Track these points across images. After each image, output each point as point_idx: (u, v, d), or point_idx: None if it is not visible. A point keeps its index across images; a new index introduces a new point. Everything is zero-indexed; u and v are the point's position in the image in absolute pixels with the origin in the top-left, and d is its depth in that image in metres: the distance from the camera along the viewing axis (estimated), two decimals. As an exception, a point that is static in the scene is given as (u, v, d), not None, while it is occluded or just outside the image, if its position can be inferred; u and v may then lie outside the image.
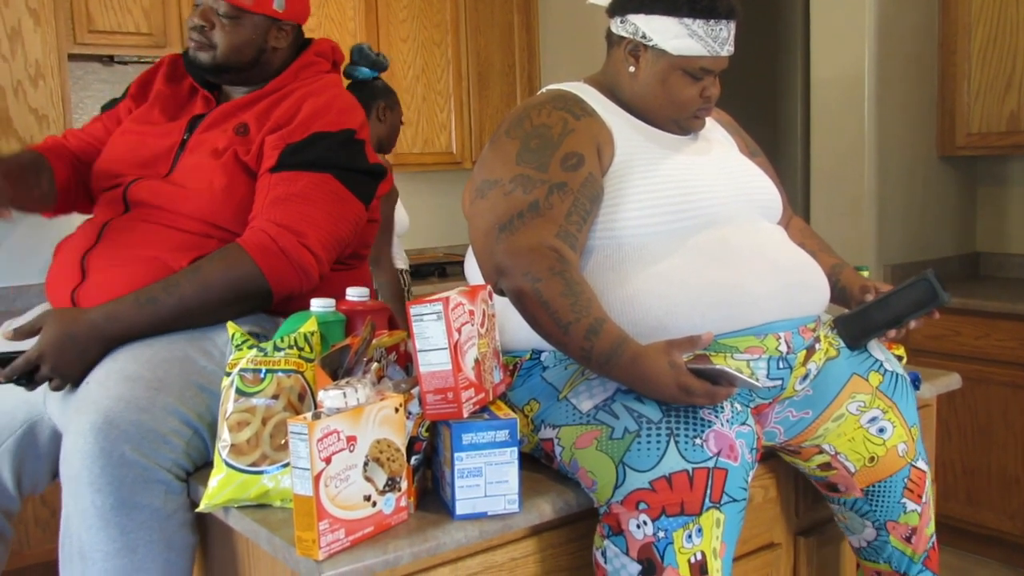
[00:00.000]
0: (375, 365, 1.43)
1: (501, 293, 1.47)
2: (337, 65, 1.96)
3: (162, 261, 1.64)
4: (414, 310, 1.32)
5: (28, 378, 1.57)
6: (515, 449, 1.34)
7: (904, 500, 1.69)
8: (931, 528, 1.74)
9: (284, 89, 1.81)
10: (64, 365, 1.55)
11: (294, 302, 1.69)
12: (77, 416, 1.46)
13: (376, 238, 2.96)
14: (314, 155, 1.72)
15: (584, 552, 1.48)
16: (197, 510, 1.41)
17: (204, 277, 1.60)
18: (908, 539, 1.71)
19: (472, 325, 1.38)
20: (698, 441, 1.36)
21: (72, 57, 3.44)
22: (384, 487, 1.28)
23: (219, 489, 1.38)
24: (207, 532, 1.57)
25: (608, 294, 1.47)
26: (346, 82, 3.35)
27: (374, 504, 1.27)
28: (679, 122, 1.64)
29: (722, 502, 1.36)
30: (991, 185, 3.94)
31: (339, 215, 1.73)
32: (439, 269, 4.26)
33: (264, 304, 1.67)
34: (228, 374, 1.43)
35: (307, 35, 1.96)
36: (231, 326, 1.48)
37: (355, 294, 1.69)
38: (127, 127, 1.87)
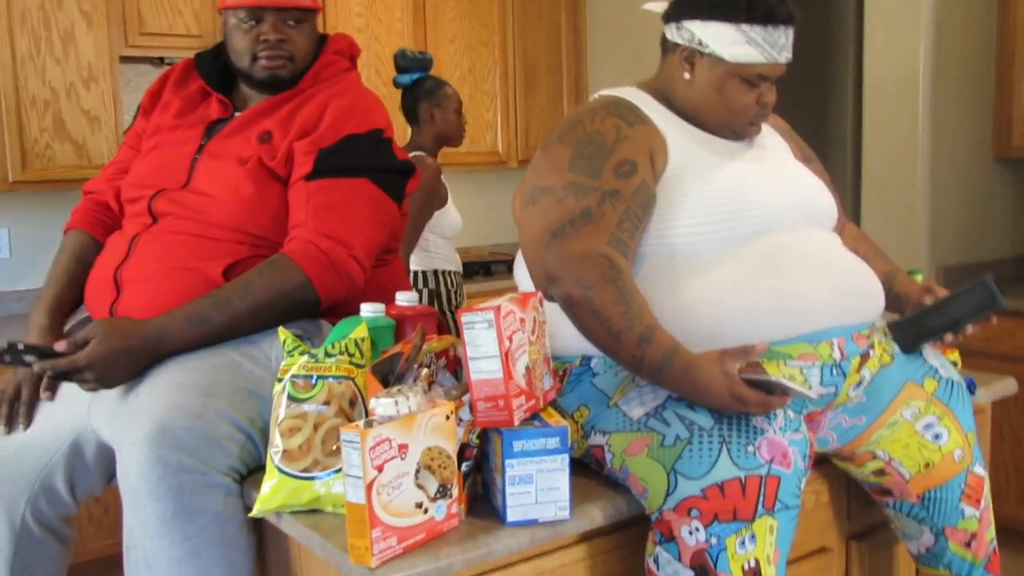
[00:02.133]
0: (425, 371, 1.44)
1: (552, 299, 1.47)
2: (354, 61, 1.95)
3: (198, 271, 1.66)
4: (466, 318, 1.33)
5: (65, 377, 1.59)
6: (566, 456, 1.33)
7: (962, 506, 1.66)
8: (991, 532, 1.72)
9: (306, 92, 1.81)
10: (111, 376, 1.57)
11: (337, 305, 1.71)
12: (131, 427, 1.48)
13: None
14: (349, 159, 1.73)
15: (635, 558, 1.47)
16: (251, 515, 1.43)
17: (255, 292, 1.61)
18: (968, 544, 1.68)
19: (523, 333, 1.38)
20: (750, 448, 1.34)
21: (124, 59, 3.50)
22: (435, 494, 1.28)
23: (272, 494, 1.39)
24: (262, 536, 1.58)
25: (660, 302, 1.46)
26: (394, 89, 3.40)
27: (426, 511, 1.27)
28: (735, 129, 1.62)
29: (775, 509, 1.35)
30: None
31: (378, 220, 1.75)
32: (484, 268, 4.27)
33: (311, 312, 1.69)
34: (280, 380, 1.45)
35: (355, 36, 1.96)
36: (282, 332, 1.49)
37: (404, 299, 1.70)
38: (146, 144, 1.88)
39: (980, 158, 3.69)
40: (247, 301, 1.61)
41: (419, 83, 3.33)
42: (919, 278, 1.89)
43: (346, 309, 1.70)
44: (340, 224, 1.68)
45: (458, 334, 1.38)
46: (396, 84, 3.35)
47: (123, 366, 1.57)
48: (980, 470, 1.68)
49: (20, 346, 1.57)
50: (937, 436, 1.63)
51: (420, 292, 3.33)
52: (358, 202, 1.72)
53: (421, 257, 3.34)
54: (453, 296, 3.42)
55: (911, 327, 1.66)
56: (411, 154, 3.23)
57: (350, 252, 1.67)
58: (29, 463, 1.67)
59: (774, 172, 1.61)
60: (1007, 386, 2.08)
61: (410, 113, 3.36)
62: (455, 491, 1.32)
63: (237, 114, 1.83)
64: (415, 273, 3.35)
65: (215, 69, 1.87)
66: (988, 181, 3.74)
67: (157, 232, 1.73)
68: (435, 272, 3.38)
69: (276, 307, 1.63)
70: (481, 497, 1.43)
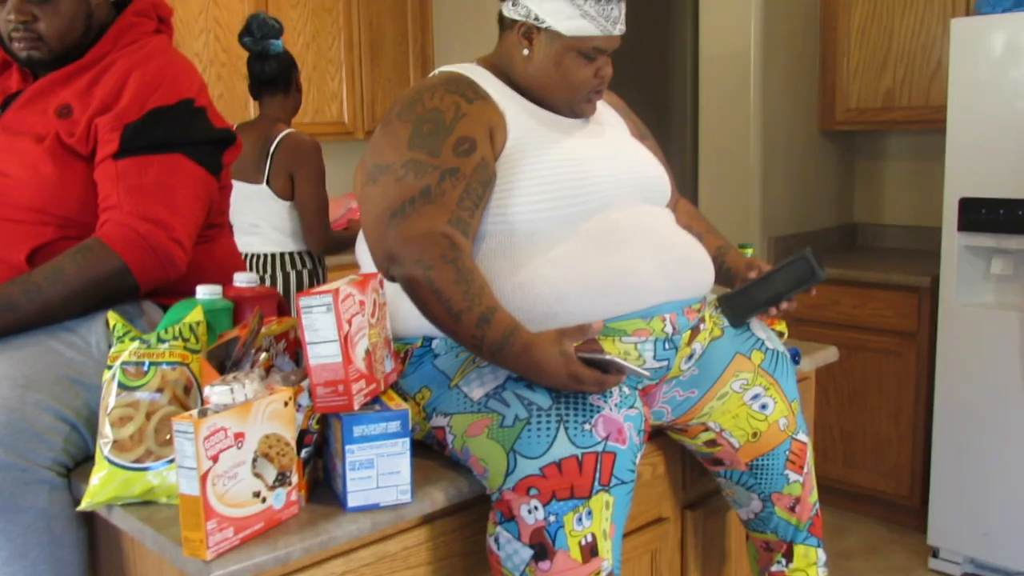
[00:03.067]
0: (263, 355, 1.41)
1: (393, 280, 1.46)
2: (164, 22, 1.82)
3: None
4: (303, 302, 1.30)
5: None
6: (407, 440, 1.33)
7: (787, 472, 1.75)
8: (814, 496, 1.82)
9: (104, 60, 1.69)
10: None
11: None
12: None
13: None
14: (158, 135, 1.63)
15: (477, 538, 1.49)
16: (79, 509, 1.37)
17: (68, 279, 1.53)
18: (792, 509, 1.78)
19: (363, 315, 1.37)
20: (587, 426, 1.38)
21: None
22: (274, 482, 1.26)
23: (101, 487, 1.34)
24: (93, 530, 1.52)
25: (500, 281, 1.47)
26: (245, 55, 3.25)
27: (264, 500, 1.25)
28: (572, 105, 1.64)
29: (611, 485, 1.39)
30: (868, 159, 4.09)
31: (197, 197, 1.67)
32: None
33: (130, 297, 1.62)
34: (109, 367, 1.39)
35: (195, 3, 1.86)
36: (112, 316, 1.43)
37: (243, 280, 1.66)
38: None
39: (807, 131, 3.87)
40: (59, 288, 1.52)
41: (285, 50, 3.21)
42: (749, 252, 1.97)
43: (176, 289, 1.64)
44: (157, 205, 1.59)
45: None
46: (269, 51, 3.17)
47: None
48: (803, 437, 1.77)
49: None
50: (764, 406, 1.71)
51: (301, 272, 3.28)
52: (173, 180, 1.63)
53: (297, 239, 3.27)
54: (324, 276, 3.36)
55: (738, 301, 1.74)
56: (286, 132, 3.15)
57: (170, 235, 1.59)
58: None
59: (611, 149, 1.64)
60: (829, 354, 2.19)
61: (276, 82, 3.20)
62: (294, 478, 1.30)
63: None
64: (295, 255, 3.27)
65: None
66: (815, 154, 3.93)
67: None
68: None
69: (90, 294, 1.54)
70: (322, 482, 1.42)
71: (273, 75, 3.18)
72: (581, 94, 1.63)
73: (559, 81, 1.61)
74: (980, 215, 2.92)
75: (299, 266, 3.30)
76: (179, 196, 1.63)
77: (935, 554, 3.17)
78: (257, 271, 3.26)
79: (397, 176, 1.48)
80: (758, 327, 1.79)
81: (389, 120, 1.55)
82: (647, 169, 1.68)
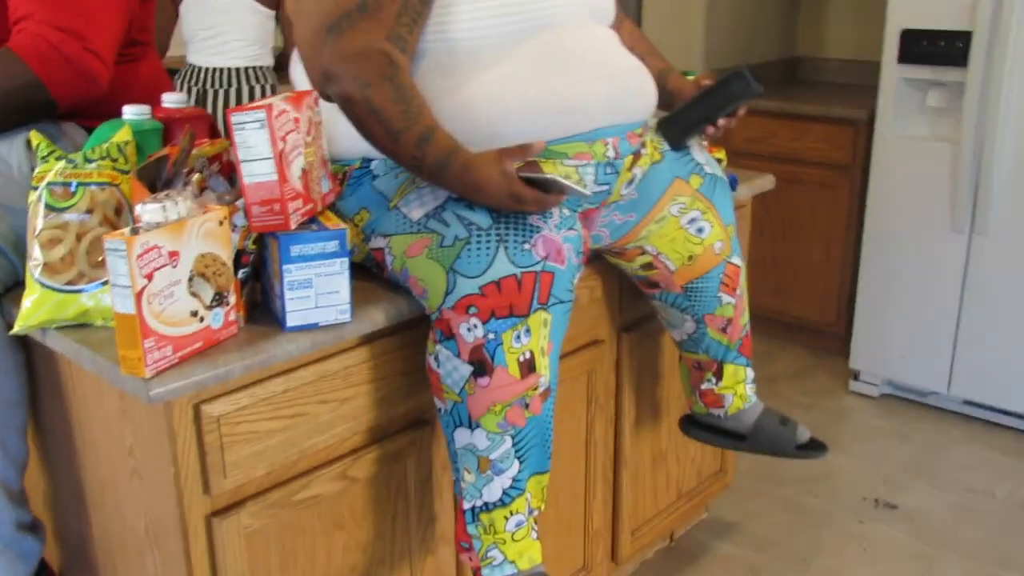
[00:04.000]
0: (196, 176, 1.37)
1: (329, 99, 1.42)
2: None
3: None
4: (235, 118, 1.26)
5: None
6: (345, 259, 1.33)
7: (720, 294, 1.79)
8: (745, 318, 1.87)
9: None
10: None
11: (82, 105, 1.57)
12: None
13: None
14: None
15: (417, 357, 1.51)
16: (11, 332, 1.35)
17: None
18: (724, 330, 1.83)
19: (298, 133, 1.33)
20: (527, 246, 1.38)
21: None
22: (211, 302, 1.25)
23: (33, 310, 1.32)
24: (29, 355, 1.51)
25: (440, 101, 1.44)
26: None
27: (202, 320, 1.24)
28: None
29: (549, 303, 1.41)
30: (813, -12, 4.03)
31: (116, 7, 1.58)
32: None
33: (49, 114, 1.54)
34: (35, 188, 1.34)
35: None
36: (35, 136, 1.37)
37: (172, 100, 1.60)
38: None
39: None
40: None
41: None
42: (690, 78, 1.95)
43: (100, 111, 1.57)
44: (71, 14, 1.49)
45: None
46: None
47: None
48: (737, 260, 1.80)
49: None
50: (700, 230, 1.73)
51: (265, 88, 3.33)
52: None
53: (265, 53, 3.30)
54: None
55: (676, 122, 1.72)
56: None
57: (85, 45, 1.50)
58: None
59: None
60: (765, 182, 2.22)
61: None
62: (232, 298, 1.29)
63: None
64: (259, 69, 3.30)
65: None
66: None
67: None
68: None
69: (2, 108, 1.47)
70: (261, 304, 1.41)
71: None
72: None
73: None
74: (920, 47, 2.92)
75: (263, 80, 3.28)
76: (94, 5, 1.53)
77: (855, 376, 3.32)
78: (218, 84, 3.26)
79: None
80: (698, 151, 1.79)
81: None
82: None
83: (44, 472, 1.60)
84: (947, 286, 3.02)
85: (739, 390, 1.90)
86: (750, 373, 1.91)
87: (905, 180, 3.04)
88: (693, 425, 1.99)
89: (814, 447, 1.91)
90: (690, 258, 1.74)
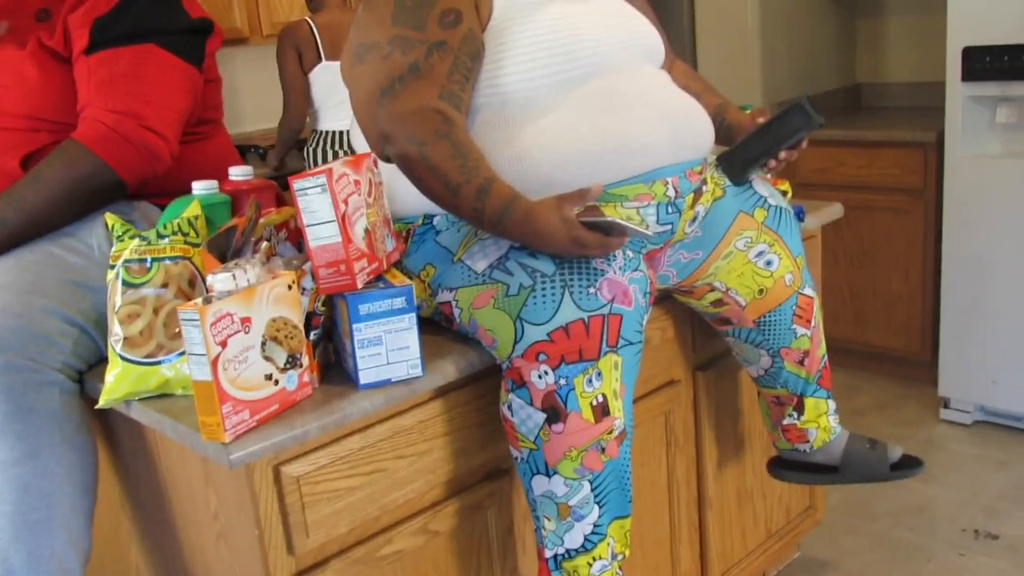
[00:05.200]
0: (265, 244, 1.41)
1: (388, 160, 1.45)
2: None
3: None
4: (297, 184, 1.30)
5: None
6: (413, 315, 1.34)
7: (795, 327, 1.77)
8: (822, 349, 1.84)
9: None
10: None
11: (154, 184, 1.63)
12: None
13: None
14: (127, 25, 1.59)
15: (491, 408, 1.52)
16: (97, 407, 1.40)
17: (48, 184, 1.51)
18: (801, 362, 1.80)
19: (359, 195, 1.36)
20: (592, 290, 1.38)
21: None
22: (285, 364, 1.28)
23: (117, 383, 1.36)
24: (113, 429, 1.55)
25: (496, 153, 1.46)
26: None
27: (276, 382, 1.27)
28: None
29: (619, 346, 1.40)
30: (869, 16, 3.99)
31: (174, 86, 1.64)
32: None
33: (120, 194, 1.60)
34: (112, 267, 1.39)
35: None
36: (110, 217, 1.43)
37: (238, 173, 1.65)
38: None
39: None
40: (42, 195, 1.51)
41: None
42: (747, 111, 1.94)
43: (171, 189, 1.63)
44: (127, 96, 1.56)
45: None
46: None
47: None
48: (810, 291, 1.78)
49: None
50: (769, 263, 1.71)
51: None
52: (145, 71, 1.59)
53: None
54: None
55: (737, 156, 1.71)
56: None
57: (142, 123, 1.56)
58: None
59: (599, 11, 1.60)
60: (834, 211, 2.19)
61: None
62: (305, 360, 1.32)
63: None
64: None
65: None
66: (814, 14, 3.84)
67: None
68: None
69: (74, 196, 1.53)
70: (335, 364, 1.43)
71: None
72: None
73: None
74: (984, 64, 2.86)
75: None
76: (151, 85, 1.60)
77: (946, 405, 3.21)
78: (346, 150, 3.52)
79: (383, 53, 1.45)
80: (760, 185, 1.77)
81: None
82: (639, 28, 1.64)
83: (138, 546, 1.63)
84: (1034, 304, 2.93)
85: (822, 423, 1.86)
86: (832, 405, 1.87)
87: (980, 199, 2.96)
88: (782, 467, 1.95)
89: (910, 464, 1.86)
90: (760, 292, 1.72)
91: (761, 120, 1.73)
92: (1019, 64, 2.79)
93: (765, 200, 1.74)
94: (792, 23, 3.72)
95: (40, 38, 1.59)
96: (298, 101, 3.63)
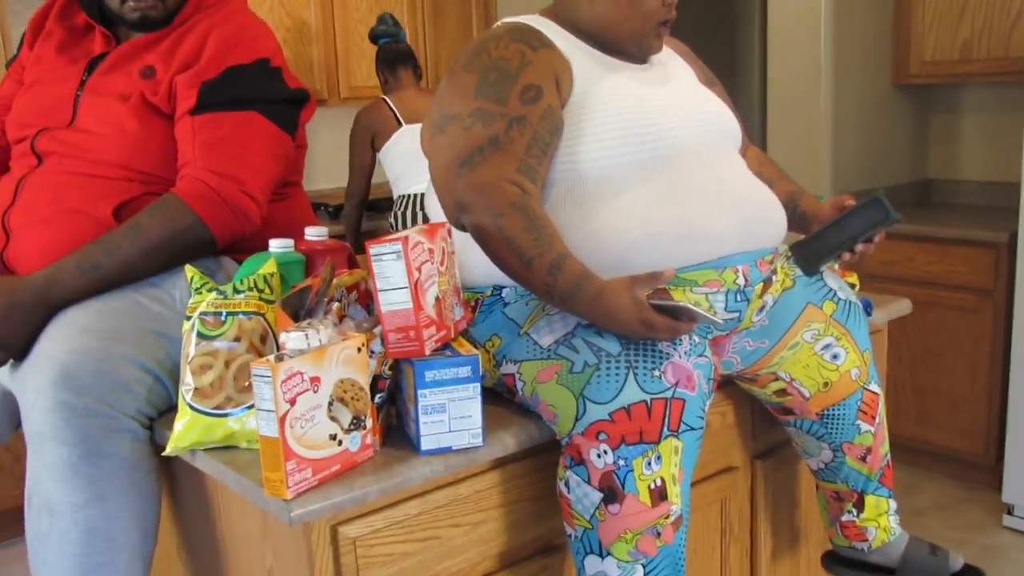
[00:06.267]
0: (336, 305, 1.44)
1: (463, 229, 1.48)
2: None
3: (86, 213, 1.61)
4: (373, 250, 1.33)
5: None
6: (477, 385, 1.36)
7: (858, 422, 1.74)
8: (885, 447, 1.80)
9: (188, 22, 1.74)
10: (9, 335, 1.52)
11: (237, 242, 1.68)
12: (34, 373, 1.45)
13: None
14: (234, 92, 1.67)
15: (547, 482, 1.51)
16: (164, 454, 1.42)
17: (146, 236, 1.57)
18: (863, 459, 1.77)
19: (432, 263, 1.39)
20: (656, 373, 1.38)
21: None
22: (349, 426, 1.30)
23: (185, 432, 1.39)
24: (175, 477, 1.58)
25: (569, 229, 1.48)
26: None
27: (340, 443, 1.28)
28: (641, 39, 1.61)
29: (680, 430, 1.40)
30: (943, 113, 3.98)
31: (271, 153, 1.71)
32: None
33: (209, 251, 1.66)
34: (188, 318, 1.43)
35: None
36: (189, 270, 1.47)
37: (314, 233, 1.69)
38: (28, 76, 1.81)
39: (880, 85, 3.78)
40: (138, 245, 1.57)
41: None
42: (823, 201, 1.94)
43: (249, 245, 1.68)
44: (229, 160, 1.64)
45: None
46: (400, 36, 3.92)
47: (18, 322, 1.52)
48: (875, 388, 1.75)
49: None
50: (835, 356, 1.70)
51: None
52: (247, 136, 1.67)
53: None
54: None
55: (810, 247, 1.70)
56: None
57: (242, 188, 1.63)
58: None
59: (678, 95, 1.63)
60: (902, 307, 2.16)
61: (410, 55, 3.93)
62: (369, 422, 1.33)
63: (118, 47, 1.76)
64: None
65: (97, 2, 1.78)
66: (888, 107, 3.84)
67: (43, 173, 1.66)
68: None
69: (168, 249, 1.59)
70: (396, 428, 1.45)
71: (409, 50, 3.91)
72: (650, 25, 1.60)
73: (628, 12, 1.58)
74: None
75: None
76: (252, 151, 1.67)
77: (1010, 511, 3.12)
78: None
79: (465, 125, 1.48)
80: (830, 277, 1.77)
81: (455, 71, 1.56)
82: (716, 113, 1.66)
83: (186, 592, 1.65)
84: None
85: (882, 522, 1.81)
86: (893, 504, 1.83)
87: None
88: (837, 562, 1.91)
89: (971, 573, 1.80)
90: (825, 385, 1.71)
91: (844, 204, 1.72)
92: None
93: (835, 293, 1.73)
94: (864, 114, 3.73)
95: (144, 93, 1.67)
96: (360, 183, 3.91)
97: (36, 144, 1.69)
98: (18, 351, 1.54)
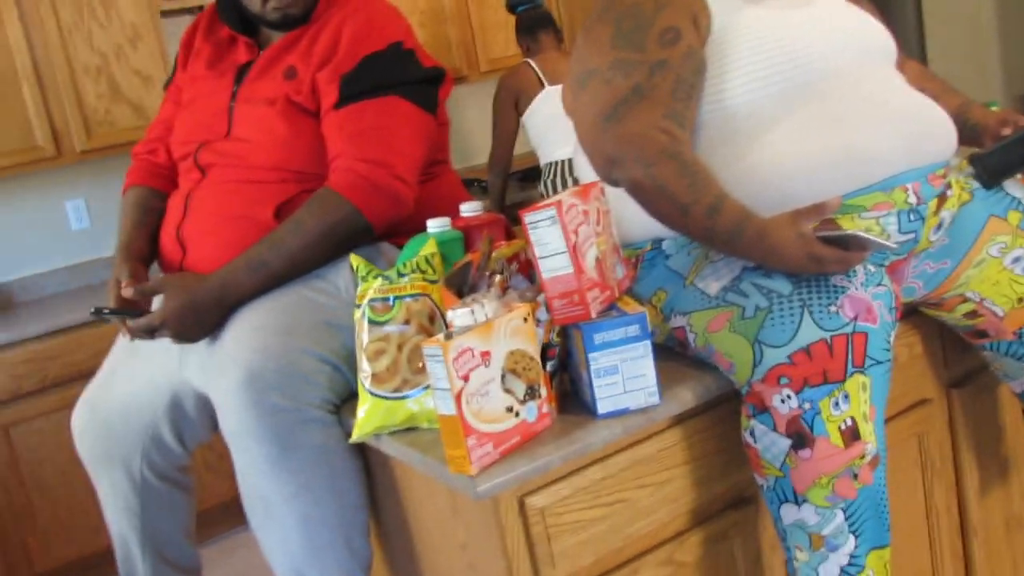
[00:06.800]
0: (498, 277, 1.44)
1: (616, 184, 1.45)
2: None
3: (249, 218, 1.68)
4: (528, 218, 1.32)
5: (150, 335, 1.66)
6: (648, 342, 1.33)
7: (1064, 337, 1.62)
8: None
9: (320, 20, 1.78)
10: (185, 331, 1.62)
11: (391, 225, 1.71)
12: (220, 377, 1.53)
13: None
14: (372, 80, 1.70)
15: (731, 434, 1.48)
16: (350, 441, 1.47)
17: (306, 230, 1.63)
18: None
19: (588, 225, 1.37)
20: (833, 308, 1.32)
21: (164, 14, 3.54)
22: (524, 396, 1.30)
23: (367, 419, 1.42)
24: (366, 460, 1.63)
25: (724, 169, 1.42)
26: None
27: (517, 414, 1.29)
28: None
29: (866, 366, 1.33)
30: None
31: (415, 135, 1.73)
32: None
33: (368, 238, 1.70)
34: (358, 306, 1.46)
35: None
36: (354, 258, 1.50)
37: (468, 209, 1.70)
38: (185, 96, 1.89)
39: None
40: (300, 239, 1.63)
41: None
42: (996, 110, 1.81)
43: (405, 228, 1.70)
44: (376, 146, 1.67)
45: None
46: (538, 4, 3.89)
47: (193, 321, 1.62)
48: (1079, 297, 1.63)
49: (104, 311, 1.66)
50: (1029, 268, 1.58)
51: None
52: (390, 121, 1.70)
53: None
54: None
55: (991, 160, 1.58)
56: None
57: (392, 172, 1.66)
58: (135, 421, 1.75)
59: (822, 16, 1.53)
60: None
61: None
62: (543, 391, 1.33)
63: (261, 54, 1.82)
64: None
65: (236, 12, 1.84)
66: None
67: (207, 185, 1.75)
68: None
69: (329, 240, 1.64)
70: (570, 394, 1.44)
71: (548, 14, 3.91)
72: None
73: None
74: None
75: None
76: (397, 135, 1.69)
77: None
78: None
79: (605, 79, 1.45)
80: (1013, 186, 1.64)
81: (590, 25, 1.53)
82: (865, 31, 1.56)
83: (389, 573, 1.70)
84: None
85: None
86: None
87: None
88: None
89: None
90: (1020, 300, 1.59)
91: (1018, 122, 1.60)
92: None
93: (1020, 202, 1.61)
94: (1033, 8, 3.46)
95: (288, 94, 1.72)
96: (504, 149, 3.88)
97: (198, 158, 1.77)
98: (194, 341, 1.65)
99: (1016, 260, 1.58)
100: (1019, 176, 1.68)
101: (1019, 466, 1.96)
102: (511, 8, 3.90)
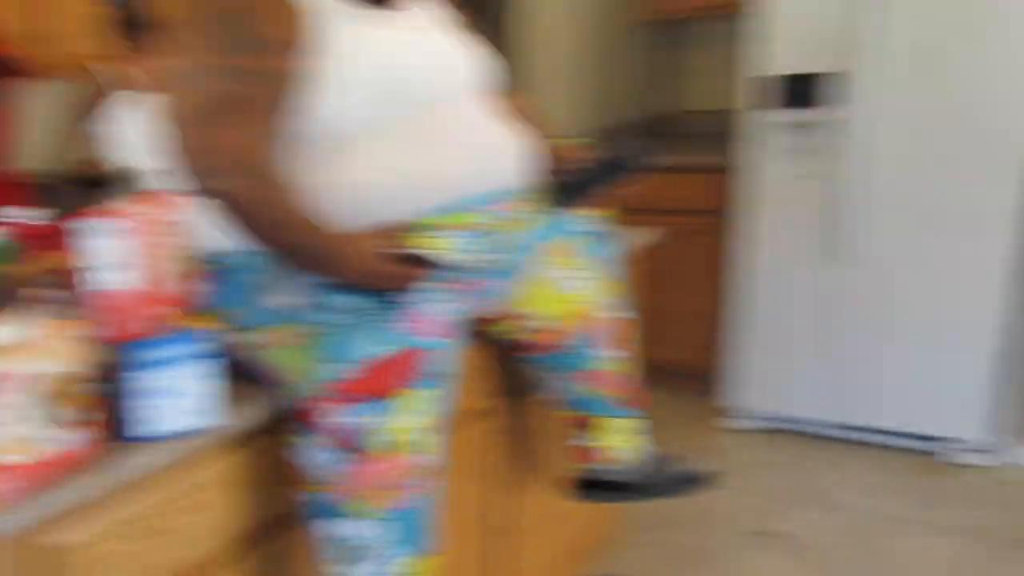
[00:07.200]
0: (39, 291, 1.30)
1: (202, 194, 1.35)
2: None
3: None
4: (80, 224, 1.20)
5: None
6: (203, 360, 1.27)
7: (600, 349, 1.80)
8: (627, 371, 1.88)
9: None
10: None
11: None
12: None
13: None
14: None
15: (286, 451, 1.45)
16: None
17: None
18: (603, 384, 1.83)
19: (148, 235, 1.28)
20: (394, 324, 1.36)
21: None
22: (62, 422, 1.18)
23: None
24: None
25: (308, 185, 1.39)
26: None
27: (51, 442, 1.17)
28: None
29: (421, 380, 1.38)
30: (673, 49, 4.18)
31: None
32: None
33: None
34: None
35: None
36: None
37: (23, 215, 1.53)
38: None
39: (616, 23, 3.90)
40: None
41: None
42: (574, 142, 1.96)
43: None
44: None
45: None
46: None
47: None
48: (618, 314, 1.82)
49: None
50: (578, 288, 1.74)
51: None
52: None
53: None
54: None
55: (557, 187, 1.73)
56: None
57: None
58: None
59: (423, 40, 1.54)
60: (650, 236, 2.24)
61: None
62: (83, 416, 1.22)
63: None
64: None
65: None
66: (623, 46, 3.96)
67: None
68: None
69: None
70: (116, 418, 1.33)
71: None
72: None
73: None
74: (791, 90, 3.09)
75: None
76: None
77: (728, 414, 3.49)
78: None
79: (199, 85, 1.35)
80: (575, 214, 1.80)
81: (176, 24, 1.42)
82: (465, 56, 1.60)
83: None
84: (812, 316, 3.16)
85: (620, 442, 1.90)
86: (631, 425, 1.91)
87: (776, 219, 3.20)
88: (580, 487, 1.98)
89: (698, 479, 1.95)
90: (568, 316, 1.74)
91: (585, 156, 1.75)
92: (803, 92, 3.04)
93: (575, 227, 1.77)
94: (600, 54, 3.83)
95: None
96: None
97: None
98: None
99: (568, 280, 1.73)
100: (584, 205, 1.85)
101: (549, 470, 2.14)
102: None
